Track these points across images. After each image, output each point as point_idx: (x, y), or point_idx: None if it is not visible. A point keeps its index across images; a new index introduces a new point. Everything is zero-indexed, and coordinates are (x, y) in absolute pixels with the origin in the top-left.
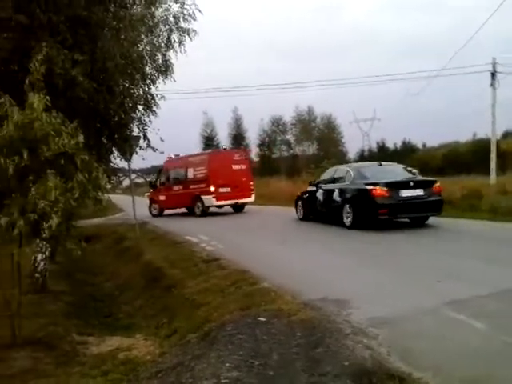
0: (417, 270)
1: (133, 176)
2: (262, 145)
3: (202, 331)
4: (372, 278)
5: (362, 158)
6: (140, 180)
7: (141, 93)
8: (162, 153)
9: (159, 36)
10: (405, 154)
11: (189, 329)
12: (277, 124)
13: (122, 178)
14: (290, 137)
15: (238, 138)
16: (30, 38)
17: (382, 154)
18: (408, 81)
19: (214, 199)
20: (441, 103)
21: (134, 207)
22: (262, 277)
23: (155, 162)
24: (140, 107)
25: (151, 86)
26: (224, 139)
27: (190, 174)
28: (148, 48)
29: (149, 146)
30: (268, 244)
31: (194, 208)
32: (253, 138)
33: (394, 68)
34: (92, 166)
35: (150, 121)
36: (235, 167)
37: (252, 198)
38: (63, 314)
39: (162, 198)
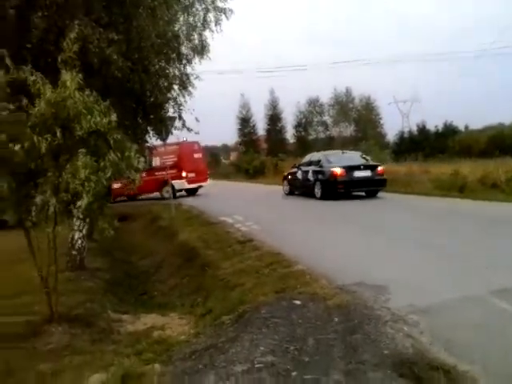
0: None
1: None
2: (298, 126)
3: (236, 313)
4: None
5: (402, 139)
6: None
7: (176, 73)
8: (197, 133)
9: (195, 15)
10: (446, 135)
11: (223, 310)
12: (313, 105)
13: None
14: (326, 118)
15: (275, 119)
16: (64, 16)
17: (422, 136)
18: (451, 61)
19: (186, 183)
20: (484, 84)
21: (170, 188)
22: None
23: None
24: (175, 87)
25: (187, 66)
26: (260, 121)
27: (157, 162)
28: (184, 27)
29: (184, 126)
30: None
31: (161, 192)
32: (289, 119)
33: (437, 49)
34: (125, 146)
35: (185, 101)
36: (196, 156)
37: (208, 182)
38: (100, 291)
39: None
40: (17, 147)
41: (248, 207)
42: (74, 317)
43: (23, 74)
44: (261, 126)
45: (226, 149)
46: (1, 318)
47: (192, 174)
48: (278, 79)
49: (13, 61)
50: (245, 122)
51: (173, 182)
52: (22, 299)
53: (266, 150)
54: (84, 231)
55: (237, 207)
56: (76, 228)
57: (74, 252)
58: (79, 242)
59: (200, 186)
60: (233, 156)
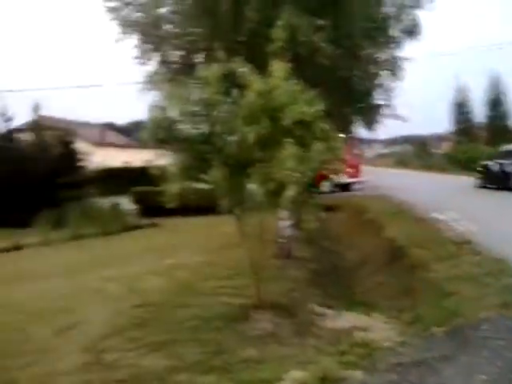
0: None
1: (377, 146)
2: None
3: (450, 326)
4: None
5: None
6: (384, 150)
7: (385, 57)
8: (406, 121)
9: None
10: None
11: (434, 320)
12: None
13: (365, 149)
14: None
15: (496, 104)
16: (275, 6)
17: None
18: None
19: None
20: None
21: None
22: None
23: (400, 131)
24: (384, 73)
25: (396, 50)
26: (478, 107)
27: None
28: (393, 8)
29: (392, 114)
30: None
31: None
32: None
33: None
34: (330, 135)
35: (394, 87)
36: (354, 151)
37: (361, 178)
38: (305, 282)
39: None
40: (230, 138)
41: (453, 202)
42: (278, 305)
43: (235, 66)
44: (479, 113)
45: (436, 138)
46: (217, 297)
47: (350, 169)
48: (499, 58)
49: (227, 54)
50: (460, 108)
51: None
52: (234, 282)
53: (484, 139)
54: (292, 220)
55: (444, 202)
56: (284, 217)
57: (281, 240)
58: (287, 230)
59: (356, 182)
60: (445, 146)
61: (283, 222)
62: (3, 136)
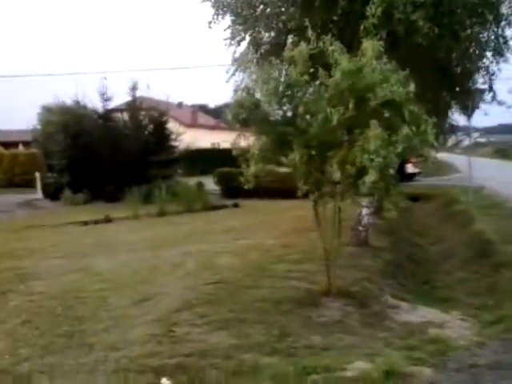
0: None
1: (474, 134)
2: None
3: None
4: None
5: None
6: (483, 139)
7: (491, 37)
8: (510, 107)
9: None
10: None
11: None
12: None
13: (461, 137)
14: None
15: None
16: None
17: None
18: None
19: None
20: None
21: (470, 169)
22: None
23: (502, 119)
24: (488, 54)
25: (505, 28)
26: None
27: None
28: None
29: (494, 99)
30: None
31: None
32: None
33: None
34: (420, 119)
35: (498, 69)
36: None
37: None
38: (379, 272)
39: None
40: (312, 119)
41: None
42: (349, 293)
43: (323, 44)
44: None
45: None
46: (287, 281)
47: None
48: None
49: (317, 34)
50: None
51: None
52: (306, 266)
53: None
54: (372, 208)
55: None
56: (364, 204)
57: (359, 228)
58: (365, 218)
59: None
60: None
61: (363, 209)
62: (102, 115)
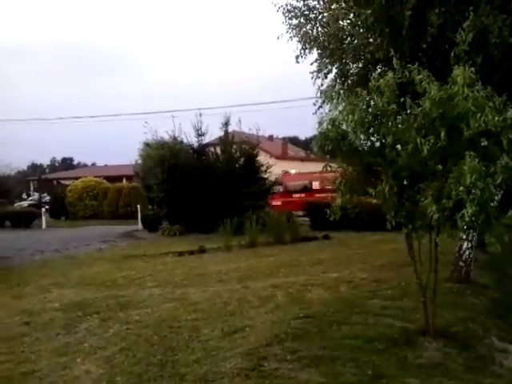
0: None
1: None
2: None
3: None
4: None
5: None
6: None
7: None
8: None
9: None
10: None
11: None
12: None
13: None
14: None
15: None
16: (462, 8)
17: None
18: None
19: None
20: None
21: None
22: None
23: None
24: None
25: None
26: None
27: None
28: None
29: None
30: None
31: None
32: None
33: None
34: None
35: None
36: None
37: None
38: (483, 311)
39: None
40: (402, 150)
41: None
42: (450, 334)
43: (409, 73)
44: None
45: None
46: (380, 318)
47: None
48: None
49: (405, 62)
50: None
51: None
52: (400, 303)
53: None
54: (473, 242)
55: None
56: (464, 237)
57: (460, 263)
58: (467, 252)
59: None
60: None
61: (462, 243)
62: (196, 149)
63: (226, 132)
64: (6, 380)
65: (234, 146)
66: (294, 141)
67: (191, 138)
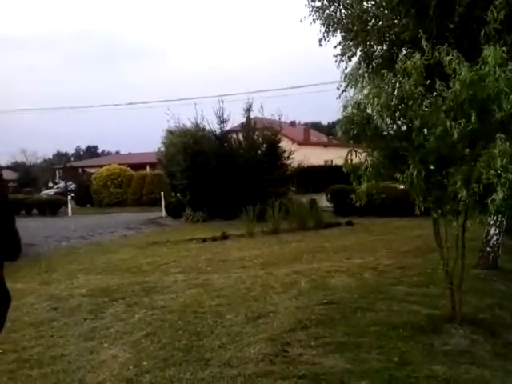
0: None
1: None
2: None
3: None
4: None
5: None
6: None
7: None
8: None
9: None
10: None
11: None
12: None
13: None
14: None
15: None
16: None
17: None
18: None
19: None
20: None
21: None
22: None
23: None
24: None
25: None
26: None
27: None
28: None
29: None
30: None
31: None
32: None
33: None
34: None
35: None
36: None
37: None
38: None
39: None
40: (431, 134)
41: None
42: (477, 320)
43: (438, 54)
44: None
45: None
46: (405, 304)
47: None
48: None
49: (432, 43)
50: None
51: None
52: (426, 289)
53: None
54: (501, 227)
55: None
56: (491, 223)
57: (487, 249)
58: (494, 238)
59: None
60: None
61: (491, 229)
62: (218, 136)
63: (248, 118)
64: (37, 363)
65: (257, 133)
66: (317, 126)
67: (213, 125)
